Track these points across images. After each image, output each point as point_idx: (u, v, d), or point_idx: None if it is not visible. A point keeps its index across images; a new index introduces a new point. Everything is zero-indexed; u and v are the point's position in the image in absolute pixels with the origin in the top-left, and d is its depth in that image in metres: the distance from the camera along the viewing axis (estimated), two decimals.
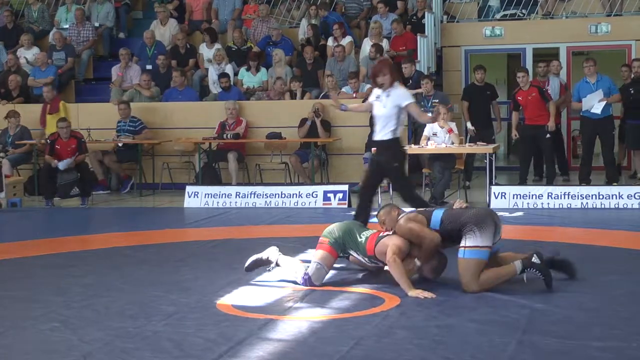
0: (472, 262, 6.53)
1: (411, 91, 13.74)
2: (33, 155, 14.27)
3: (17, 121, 14.50)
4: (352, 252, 7.00)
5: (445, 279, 7.01)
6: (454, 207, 7.05)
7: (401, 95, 8.48)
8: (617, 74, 14.35)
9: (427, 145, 11.99)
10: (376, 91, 8.61)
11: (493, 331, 5.46)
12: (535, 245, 8.26)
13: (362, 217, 8.38)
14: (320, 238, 7.06)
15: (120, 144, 14.40)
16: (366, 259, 6.99)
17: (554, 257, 6.95)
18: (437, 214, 6.81)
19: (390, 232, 6.88)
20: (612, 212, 11.17)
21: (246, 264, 7.18)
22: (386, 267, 7.08)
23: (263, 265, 7.16)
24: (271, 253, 7.18)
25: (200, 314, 6.13)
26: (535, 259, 6.61)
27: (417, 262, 6.80)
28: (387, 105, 8.41)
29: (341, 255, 7.07)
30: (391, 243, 6.70)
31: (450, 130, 11.95)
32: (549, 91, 13.91)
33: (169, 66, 15.74)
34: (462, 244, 6.58)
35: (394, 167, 8.49)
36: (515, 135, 13.57)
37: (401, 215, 6.89)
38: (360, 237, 6.97)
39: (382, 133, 8.47)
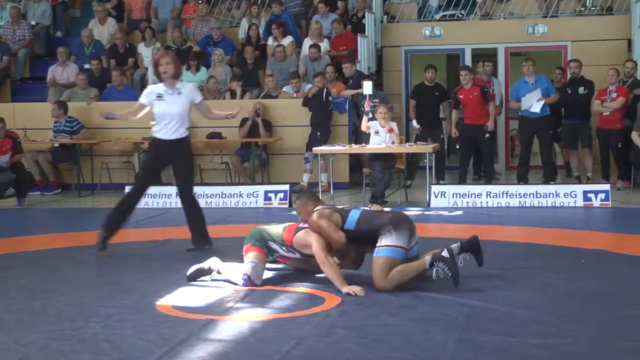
0: (382, 259, 6.56)
1: (352, 91, 13.91)
2: None
3: None
4: (272, 243, 6.98)
5: None
6: (371, 210, 7.13)
7: (194, 92, 8.55)
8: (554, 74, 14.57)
9: (368, 132, 12.05)
10: (156, 90, 8.49)
11: (433, 330, 5.49)
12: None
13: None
14: (243, 247, 7.07)
15: (56, 145, 14.20)
16: (284, 249, 6.98)
17: (473, 240, 7.05)
18: (354, 214, 6.84)
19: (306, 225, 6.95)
20: (549, 211, 11.33)
21: (188, 273, 7.11)
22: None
23: (205, 274, 7.11)
24: (212, 262, 7.15)
25: (140, 315, 6.07)
26: (445, 254, 6.63)
27: (336, 260, 6.89)
28: (183, 103, 8.38)
29: (270, 259, 7.08)
30: (314, 241, 6.71)
31: (390, 130, 12.00)
32: (493, 91, 14.10)
33: (102, 68, 15.56)
34: (378, 244, 6.61)
35: (192, 166, 8.76)
36: (455, 134, 13.68)
37: (316, 209, 6.89)
38: (278, 228, 7.02)
39: (179, 132, 8.43)
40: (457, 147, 14.67)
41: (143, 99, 8.62)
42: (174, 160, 8.55)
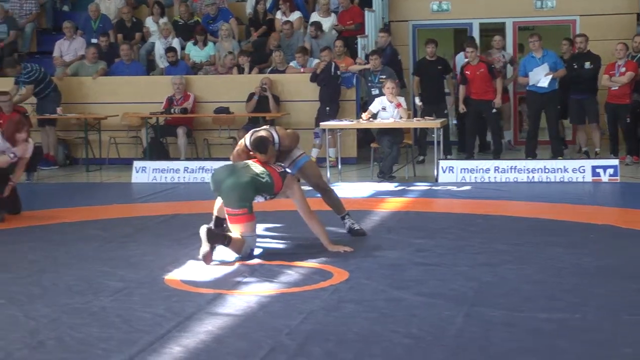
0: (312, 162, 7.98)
1: (359, 66, 13.85)
2: None
3: None
4: (258, 197, 7.09)
5: (391, 255, 7.08)
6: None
7: None
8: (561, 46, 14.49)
9: (365, 120, 12.05)
10: None
11: (441, 304, 5.50)
12: (483, 219, 8.42)
13: None
14: (230, 209, 6.99)
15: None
16: (268, 197, 7.17)
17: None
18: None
19: (279, 167, 7.24)
20: (558, 186, 11.30)
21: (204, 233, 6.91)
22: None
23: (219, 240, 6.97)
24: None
25: (149, 289, 6.10)
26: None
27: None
28: None
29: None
30: (297, 191, 7.14)
31: (398, 105, 11.98)
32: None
33: (110, 43, 15.51)
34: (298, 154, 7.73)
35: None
36: (463, 109, 13.65)
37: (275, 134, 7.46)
38: (262, 174, 7.02)
39: None
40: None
41: None
42: None
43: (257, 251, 7.15)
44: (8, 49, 16.04)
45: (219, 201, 7.35)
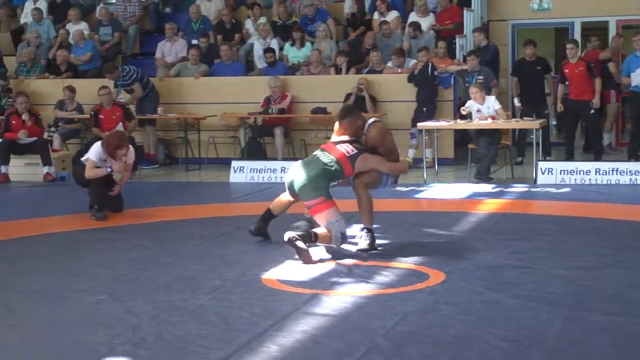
0: None
1: (456, 67, 13.73)
2: (82, 130, 14.34)
3: (73, 96, 14.54)
4: (333, 183, 7.35)
5: (487, 257, 7.01)
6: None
7: None
8: None
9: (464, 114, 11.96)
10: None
11: (539, 307, 5.43)
12: (583, 221, 8.27)
13: None
14: (309, 202, 7.21)
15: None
16: (340, 181, 7.42)
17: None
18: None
19: (351, 148, 7.36)
20: None
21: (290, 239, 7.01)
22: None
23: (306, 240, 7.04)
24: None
25: (246, 288, 6.17)
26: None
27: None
28: None
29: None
30: (375, 163, 7.43)
31: (493, 117, 11.79)
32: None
33: (210, 44, 15.72)
34: None
35: None
36: (560, 108, 13.42)
37: (370, 122, 7.58)
38: (331, 163, 7.27)
39: None
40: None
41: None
42: None
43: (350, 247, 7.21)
44: (112, 51, 16.43)
45: (279, 197, 7.69)
